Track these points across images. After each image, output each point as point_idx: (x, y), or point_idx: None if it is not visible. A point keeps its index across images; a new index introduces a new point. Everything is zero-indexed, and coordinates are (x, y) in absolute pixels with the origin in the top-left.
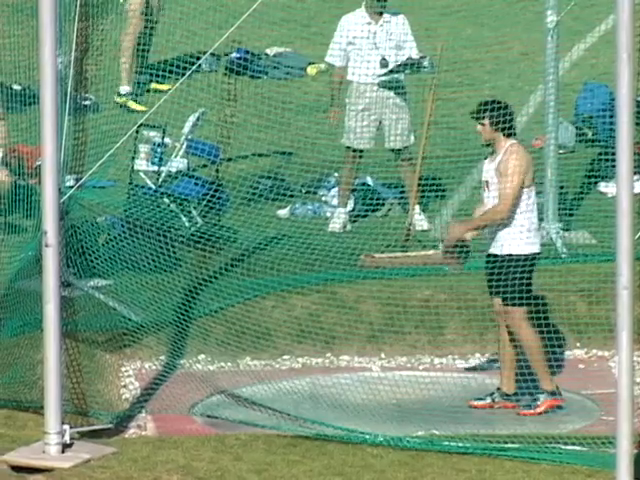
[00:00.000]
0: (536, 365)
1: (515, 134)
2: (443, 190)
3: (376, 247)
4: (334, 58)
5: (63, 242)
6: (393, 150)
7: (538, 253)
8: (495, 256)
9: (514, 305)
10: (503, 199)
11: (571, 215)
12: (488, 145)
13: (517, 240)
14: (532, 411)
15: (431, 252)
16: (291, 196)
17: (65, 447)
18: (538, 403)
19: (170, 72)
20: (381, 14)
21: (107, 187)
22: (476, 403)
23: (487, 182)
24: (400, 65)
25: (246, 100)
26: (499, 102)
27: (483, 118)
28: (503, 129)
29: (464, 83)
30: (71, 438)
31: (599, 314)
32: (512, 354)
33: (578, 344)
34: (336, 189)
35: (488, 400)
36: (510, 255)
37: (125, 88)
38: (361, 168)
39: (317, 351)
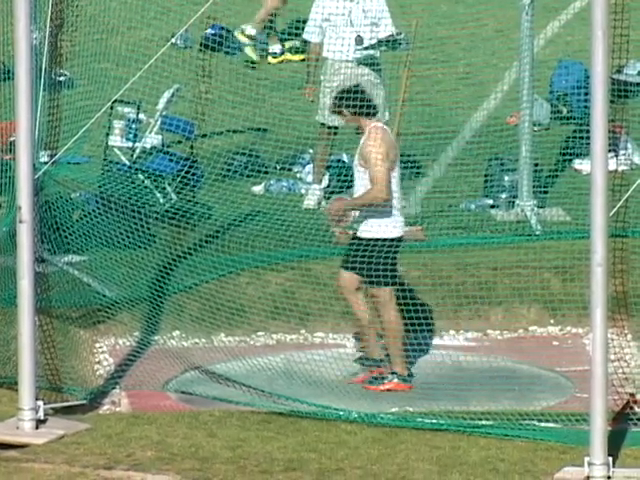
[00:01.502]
0: (393, 347)
1: (375, 113)
2: (418, 167)
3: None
4: (310, 35)
5: (37, 218)
6: None
7: (398, 239)
8: (356, 237)
9: (379, 286)
10: (375, 183)
11: (546, 192)
12: (357, 128)
13: (375, 224)
14: (376, 387)
15: (406, 229)
16: (266, 172)
17: (39, 423)
18: (385, 382)
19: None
20: None
21: (81, 163)
22: (355, 379)
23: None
24: (377, 42)
25: (221, 76)
26: (350, 88)
27: (341, 111)
28: (362, 113)
29: (439, 60)
30: (45, 414)
31: (573, 291)
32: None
33: (552, 321)
34: (311, 166)
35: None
36: (367, 239)
37: (277, 47)
38: (336, 145)
39: (291, 328)
